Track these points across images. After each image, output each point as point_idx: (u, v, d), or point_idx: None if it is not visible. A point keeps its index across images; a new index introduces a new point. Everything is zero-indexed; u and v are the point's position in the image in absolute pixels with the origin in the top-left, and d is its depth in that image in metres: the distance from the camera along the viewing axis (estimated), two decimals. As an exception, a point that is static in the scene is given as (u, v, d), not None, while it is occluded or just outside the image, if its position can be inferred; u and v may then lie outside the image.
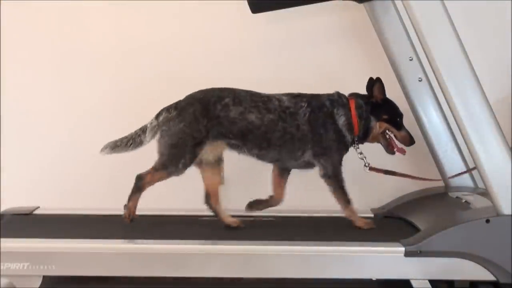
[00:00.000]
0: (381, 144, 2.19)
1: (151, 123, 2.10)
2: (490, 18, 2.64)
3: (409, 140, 2.17)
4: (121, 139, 2.11)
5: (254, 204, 2.22)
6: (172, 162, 2.04)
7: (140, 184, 2.06)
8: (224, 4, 2.65)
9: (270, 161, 2.17)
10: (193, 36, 2.69)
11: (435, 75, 1.96)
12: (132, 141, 2.10)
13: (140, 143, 2.10)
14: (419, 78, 2.36)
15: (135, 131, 2.12)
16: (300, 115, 2.09)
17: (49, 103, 2.72)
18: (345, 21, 2.66)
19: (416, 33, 1.97)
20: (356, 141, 2.15)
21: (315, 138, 2.09)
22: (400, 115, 2.18)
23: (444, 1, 1.93)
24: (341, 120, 2.12)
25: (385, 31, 2.35)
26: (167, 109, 2.10)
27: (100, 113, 2.68)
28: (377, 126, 2.15)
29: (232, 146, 2.12)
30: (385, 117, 2.15)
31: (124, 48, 2.70)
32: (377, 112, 2.14)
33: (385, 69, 2.44)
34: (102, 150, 2.11)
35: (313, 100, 2.13)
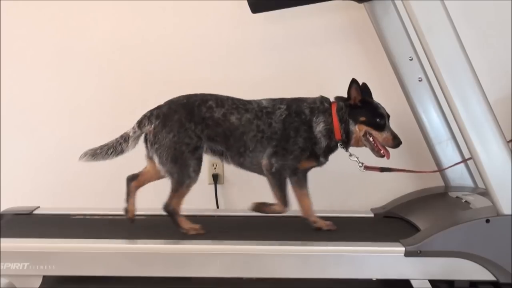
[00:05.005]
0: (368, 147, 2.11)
1: (134, 132, 2.06)
2: (490, 18, 2.64)
3: (392, 141, 2.05)
4: (101, 147, 2.08)
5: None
6: (184, 175, 2.01)
7: (172, 211, 2.04)
8: (224, 3, 2.65)
9: (249, 169, 2.13)
10: (193, 36, 2.69)
11: (435, 75, 1.96)
12: (113, 149, 2.07)
13: (121, 151, 2.07)
14: (419, 78, 2.36)
15: (116, 139, 2.08)
16: (276, 115, 2.07)
17: (49, 103, 2.72)
18: (345, 21, 2.66)
19: (416, 33, 1.97)
20: (341, 145, 2.10)
21: (283, 138, 2.05)
22: (380, 116, 2.06)
23: (444, 1, 1.93)
24: (319, 127, 2.06)
25: (385, 31, 2.35)
26: (148, 117, 2.06)
27: (100, 113, 2.68)
28: (356, 129, 2.07)
29: (215, 153, 2.09)
30: (362, 119, 2.06)
31: (123, 47, 2.70)
32: (354, 115, 2.06)
33: (385, 69, 2.45)
34: (80, 157, 2.07)
35: (293, 104, 2.09)
